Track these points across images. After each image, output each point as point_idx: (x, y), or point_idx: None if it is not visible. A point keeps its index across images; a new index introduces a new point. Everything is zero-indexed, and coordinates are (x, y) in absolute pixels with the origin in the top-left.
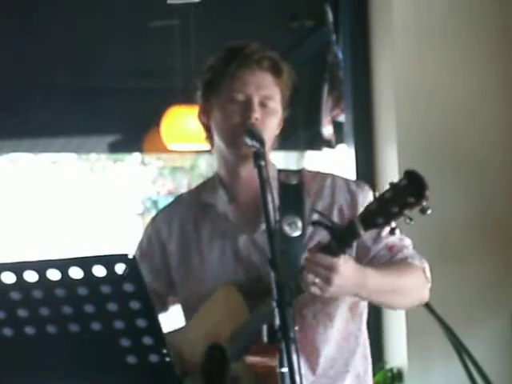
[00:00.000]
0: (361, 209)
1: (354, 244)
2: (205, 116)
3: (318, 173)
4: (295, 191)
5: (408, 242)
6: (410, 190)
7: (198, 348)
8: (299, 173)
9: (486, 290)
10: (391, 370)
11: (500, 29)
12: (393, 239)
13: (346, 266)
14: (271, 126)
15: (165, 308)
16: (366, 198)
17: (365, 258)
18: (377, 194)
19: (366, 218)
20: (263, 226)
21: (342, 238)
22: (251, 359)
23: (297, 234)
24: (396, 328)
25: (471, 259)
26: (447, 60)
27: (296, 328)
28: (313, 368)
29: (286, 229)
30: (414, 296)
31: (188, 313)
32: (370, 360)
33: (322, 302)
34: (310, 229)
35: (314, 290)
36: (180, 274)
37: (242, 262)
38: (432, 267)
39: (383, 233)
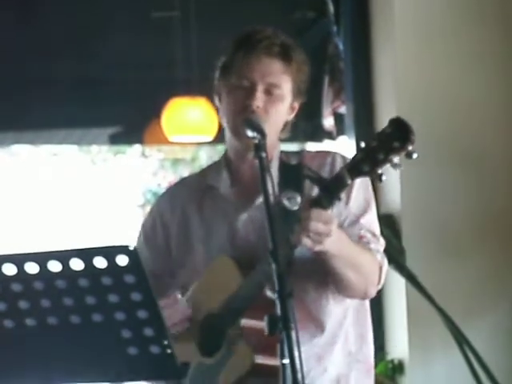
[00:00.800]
0: (359, 183)
1: (342, 195)
2: (217, 98)
3: (318, 152)
4: (295, 170)
5: (381, 241)
6: (395, 136)
7: (196, 317)
8: (299, 153)
9: (486, 281)
10: (392, 361)
11: (500, 24)
12: (366, 232)
13: (335, 219)
14: (275, 113)
15: (167, 290)
16: (360, 180)
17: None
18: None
19: (352, 167)
20: (261, 199)
21: (330, 190)
22: (245, 322)
23: (295, 208)
24: (397, 319)
25: (471, 251)
26: (447, 52)
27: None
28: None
29: (286, 202)
30: (364, 281)
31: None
32: (368, 340)
33: (323, 272)
34: None
35: (307, 241)
36: (180, 255)
37: (239, 242)
38: (432, 259)
39: (362, 219)
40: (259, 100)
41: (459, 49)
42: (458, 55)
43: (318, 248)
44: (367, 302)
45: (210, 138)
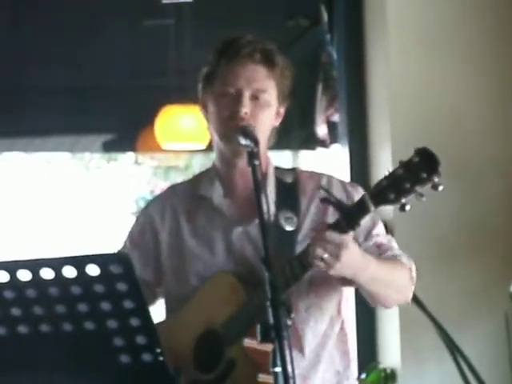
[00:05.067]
0: None
1: (363, 222)
2: (203, 109)
3: (313, 172)
4: (291, 189)
5: (395, 244)
6: (422, 166)
7: (189, 336)
8: (293, 171)
9: (479, 290)
10: (385, 370)
11: (495, 29)
12: (381, 239)
13: (354, 245)
14: (264, 119)
15: (154, 299)
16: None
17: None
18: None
19: (376, 194)
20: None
21: (351, 215)
22: (248, 342)
23: (292, 228)
24: (389, 328)
25: (464, 260)
26: (442, 60)
27: (292, 315)
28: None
29: (282, 222)
30: (402, 292)
31: (171, 304)
32: (351, 356)
33: (316, 295)
34: (306, 226)
35: (320, 264)
36: (169, 264)
37: (234, 255)
38: (426, 267)
39: (374, 231)
40: (247, 106)
41: (454, 57)
42: (453, 64)
43: (331, 272)
44: (347, 316)
45: (204, 145)
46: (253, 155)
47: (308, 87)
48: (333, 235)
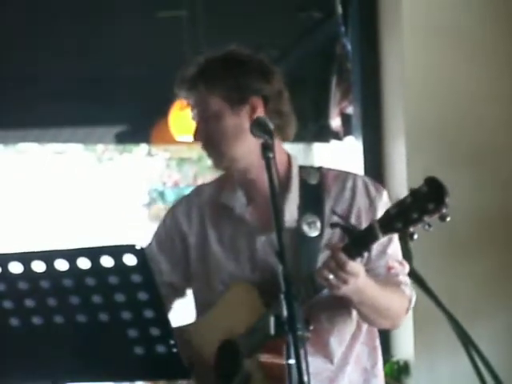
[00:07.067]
0: (379, 213)
1: (372, 247)
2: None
3: (339, 173)
4: (316, 191)
5: (407, 267)
6: (431, 197)
7: (211, 342)
8: (319, 171)
9: (492, 282)
10: (398, 362)
11: (508, 17)
12: (394, 262)
13: (364, 274)
14: (216, 131)
15: (180, 297)
16: (385, 204)
17: (364, 266)
18: (397, 199)
19: (385, 223)
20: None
21: (360, 241)
22: (263, 357)
23: (315, 234)
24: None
25: (478, 252)
26: (456, 52)
27: (311, 328)
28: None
29: (305, 228)
30: (391, 319)
31: (200, 308)
32: (379, 352)
33: (337, 306)
34: (328, 230)
35: (326, 283)
36: (197, 268)
37: (258, 263)
38: (439, 260)
39: (389, 249)
40: (199, 134)
41: (469, 49)
42: (468, 55)
43: (335, 292)
44: None
45: None
46: (267, 147)
47: (322, 79)
48: (349, 263)
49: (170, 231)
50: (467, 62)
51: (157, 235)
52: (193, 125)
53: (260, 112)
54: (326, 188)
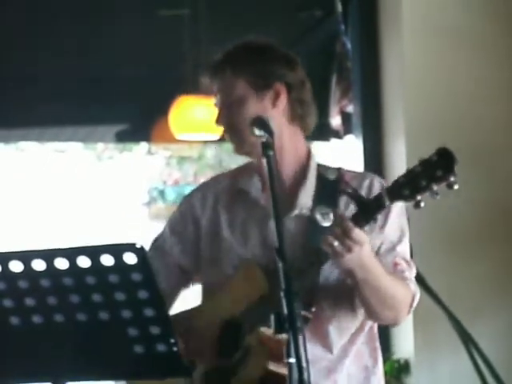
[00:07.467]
0: (392, 215)
1: (379, 217)
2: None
3: (358, 173)
4: (332, 186)
5: (414, 269)
6: (439, 164)
7: (218, 319)
8: (338, 170)
9: (492, 281)
10: (398, 360)
11: (508, 17)
12: (401, 260)
13: (369, 246)
14: (239, 115)
15: (188, 285)
16: (398, 206)
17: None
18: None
19: (393, 190)
20: (295, 212)
21: (368, 209)
22: (263, 330)
23: (327, 224)
24: None
25: (478, 250)
26: (456, 51)
27: (313, 309)
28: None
29: (318, 217)
30: (395, 310)
31: (207, 292)
32: (379, 352)
33: (342, 297)
34: None
35: (330, 250)
36: (208, 252)
37: (268, 247)
38: (440, 259)
39: (398, 247)
40: (221, 119)
41: (468, 47)
42: (467, 53)
43: (339, 262)
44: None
45: (217, 136)
46: (267, 146)
47: (322, 78)
48: (355, 230)
49: (184, 215)
50: (467, 61)
51: (172, 218)
52: (215, 111)
53: (283, 99)
54: (342, 185)
